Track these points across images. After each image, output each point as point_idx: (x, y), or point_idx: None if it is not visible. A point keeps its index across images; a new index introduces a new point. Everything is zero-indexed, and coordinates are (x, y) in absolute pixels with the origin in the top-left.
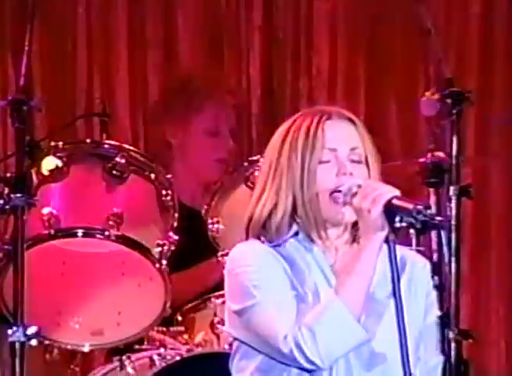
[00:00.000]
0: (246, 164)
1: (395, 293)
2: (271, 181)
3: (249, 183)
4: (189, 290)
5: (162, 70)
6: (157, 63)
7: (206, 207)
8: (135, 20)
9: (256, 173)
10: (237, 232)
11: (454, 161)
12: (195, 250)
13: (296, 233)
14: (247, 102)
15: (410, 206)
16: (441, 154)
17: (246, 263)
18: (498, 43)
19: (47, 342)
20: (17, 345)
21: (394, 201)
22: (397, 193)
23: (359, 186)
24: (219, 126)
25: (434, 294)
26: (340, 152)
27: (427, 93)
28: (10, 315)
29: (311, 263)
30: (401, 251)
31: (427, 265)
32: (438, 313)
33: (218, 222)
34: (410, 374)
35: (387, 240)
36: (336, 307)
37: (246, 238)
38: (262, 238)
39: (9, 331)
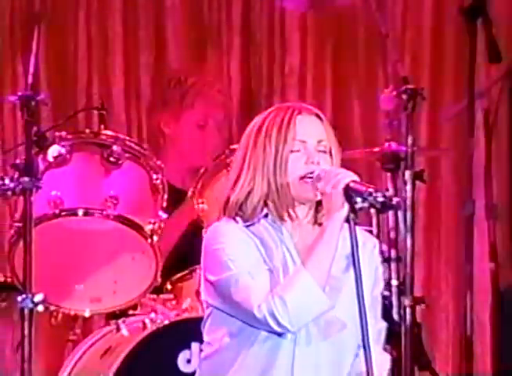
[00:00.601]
0: (227, 151)
1: (355, 266)
2: (246, 167)
3: (229, 169)
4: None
5: (153, 69)
6: (149, 62)
7: (192, 189)
8: (130, 25)
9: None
10: (218, 212)
11: (409, 150)
12: (188, 230)
13: (266, 215)
14: (228, 96)
15: (363, 188)
16: (396, 144)
17: (223, 240)
18: (447, 45)
19: (52, 308)
20: (26, 311)
21: (352, 185)
22: (355, 177)
23: (324, 172)
24: (208, 120)
25: (380, 269)
26: (309, 144)
27: (386, 90)
28: (20, 284)
29: (279, 241)
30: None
31: (377, 244)
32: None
33: (202, 203)
34: (368, 342)
35: (348, 220)
36: (303, 278)
37: (220, 218)
38: (237, 218)
39: (19, 299)
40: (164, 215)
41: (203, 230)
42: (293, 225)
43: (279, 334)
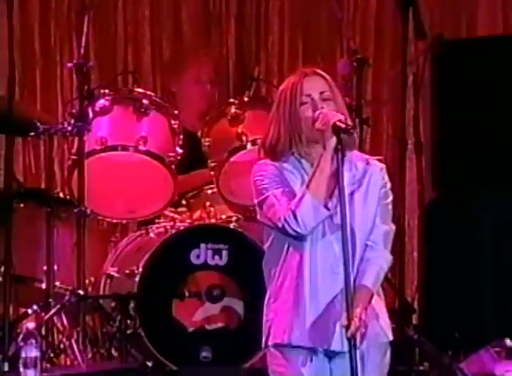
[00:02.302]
0: (225, 104)
1: (340, 186)
2: (273, 120)
3: (228, 117)
4: (188, 186)
5: (171, 44)
6: (169, 40)
7: (200, 132)
8: (154, 11)
9: (232, 110)
10: (219, 148)
11: (357, 103)
12: (193, 158)
13: (292, 153)
14: (226, 64)
15: (343, 125)
16: (349, 99)
17: (260, 174)
18: (387, 26)
19: (99, 217)
20: (81, 221)
21: (337, 123)
22: (341, 117)
23: (321, 114)
24: (201, 77)
25: (388, 185)
26: (314, 95)
27: (342, 59)
28: (76, 200)
29: (302, 172)
30: (363, 159)
31: (384, 168)
32: (390, 198)
33: (208, 142)
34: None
35: (336, 149)
36: (305, 195)
37: (260, 158)
38: (271, 157)
39: (75, 211)
40: (180, 150)
41: (208, 161)
42: (312, 159)
43: (301, 239)
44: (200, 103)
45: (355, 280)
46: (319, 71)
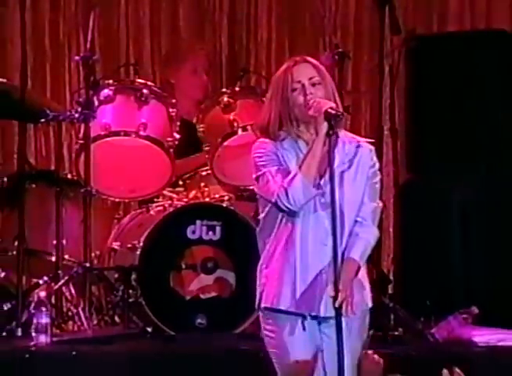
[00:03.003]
0: (218, 93)
1: (331, 169)
2: (268, 104)
3: (221, 105)
4: (185, 169)
5: (169, 39)
6: (167, 35)
7: (196, 119)
8: (154, 9)
9: (225, 99)
10: (212, 134)
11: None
12: (189, 143)
13: (289, 134)
14: (219, 57)
15: (333, 112)
16: None
17: (257, 151)
18: (365, 23)
19: (104, 197)
20: (87, 199)
21: (329, 110)
22: (332, 105)
23: (314, 102)
24: (197, 68)
25: (377, 166)
26: (304, 81)
27: (325, 53)
28: (82, 181)
29: (296, 151)
30: (354, 139)
31: (373, 149)
32: (379, 177)
33: (202, 128)
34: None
35: (328, 133)
36: (297, 175)
37: (258, 137)
38: (267, 137)
39: (82, 190)
40: (177, 136)
41: (203, 145)
42: (305, 139)
43: (293, 215)
44: (196, 93)
45: (343, 253)
46: (308, 58)
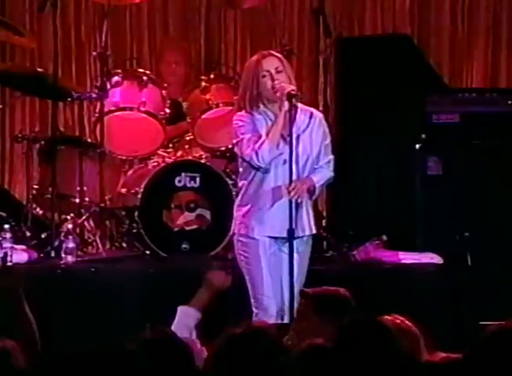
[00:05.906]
0: (198, 79)
1: (291, 139)
2: (244, 87)
3: (200, 88)
4: (173, 133)
5: (162, 39)
6: (160, 35)
7: (181, 98)
8: (151, 17)
9: (203, 83)
10: (194, 109)
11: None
12: (176, 116)
13: (261, 107)
14: (199, 53)
15: (293, 93)
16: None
17: (237, 120)
18: (305, 27)
19: (114, 155)
20: (102, 157)
21: (291, 92)
22: (293, 88)
23: (279, 86)
24: (178, 60)
25: (327, 130)
26: (271, 70)
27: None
28: (98, 144)
29: (266, 120)
30: (308, 110)
31: (323, 117)
32: (329, 138)
33: (186, 105)
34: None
35: (289, 110)
36: (265, 140)
37: (236, 111)
38: (244, 111)
39: (98, 151)
40: (168, 111)
41: (187, 118)
42: (273, 112)
43: (265, 171)
44: (178, 77)
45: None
46: (274, 52)
